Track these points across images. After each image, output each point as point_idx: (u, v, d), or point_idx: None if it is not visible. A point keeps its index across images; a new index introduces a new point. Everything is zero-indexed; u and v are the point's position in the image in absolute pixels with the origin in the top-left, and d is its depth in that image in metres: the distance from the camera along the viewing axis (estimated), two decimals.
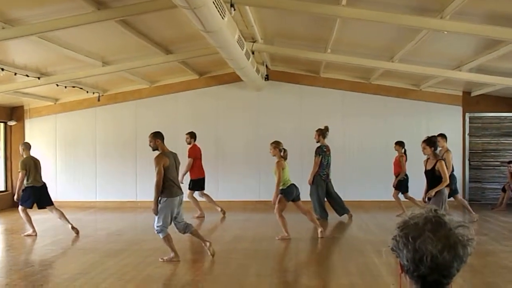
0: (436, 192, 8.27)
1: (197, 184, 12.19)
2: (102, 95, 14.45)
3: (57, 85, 11.99)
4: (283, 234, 9.36)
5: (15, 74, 10.46)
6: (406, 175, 12.00)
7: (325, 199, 11.75)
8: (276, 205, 9.31)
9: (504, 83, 11.22)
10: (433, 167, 8.33)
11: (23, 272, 7.33)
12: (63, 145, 14.88)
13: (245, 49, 9.38)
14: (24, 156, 10.20)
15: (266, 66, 13.70)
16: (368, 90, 14.18)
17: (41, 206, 10.35)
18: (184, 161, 10.89)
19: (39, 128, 14.91)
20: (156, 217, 7.58)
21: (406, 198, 12.00)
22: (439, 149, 10.14)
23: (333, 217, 11.65)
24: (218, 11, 6.52)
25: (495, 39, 8.14)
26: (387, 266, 7.18)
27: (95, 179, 14.76)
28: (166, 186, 7.57)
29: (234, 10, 7.25)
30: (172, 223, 7.79)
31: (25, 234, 10.06)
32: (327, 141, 11.66)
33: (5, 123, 14.76)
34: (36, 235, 9.99)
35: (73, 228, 10.12)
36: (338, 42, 10.08)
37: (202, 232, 11.05)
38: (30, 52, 9.82)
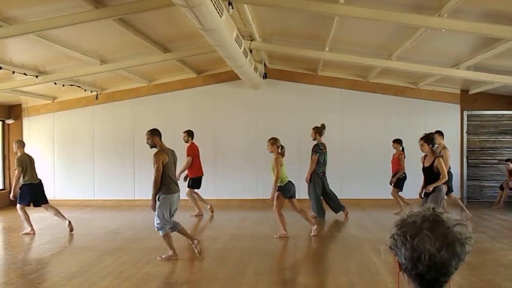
0: (434, 189, 8.30)
1: (196, 182, 12.20)
2: (100, 94, 14.44)
3: (55, 83, 11.97)
4: (282, 232, 9.36)
5: (13, 72, 10.45)
6: (404, 173, 12.01)
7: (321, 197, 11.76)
8: (275, 203, 9.32)
9: (502, 81, 11.23)
10: (431, 164, 8.36)
11: (21, 271, 7.32)
12: (61, 143, 14.87)
13: (243, 47, 9.37)
14: (20, 153, 10.19)
15: (264, 64, 13.70)
16: (366, 88, 14.18)
17: (37, 204, 10.34)
18: (182, 159, 10.88)
19: (37, 127, 14.90)
20: (156, 215, 7.59)
21: (392, 194, 12.02)
22: (435, 146, 10.17)
23: (330, 216, 11.66)
24: (216, 9, 6.52)
25: (493, 37, 8.15)
26: (386, 265, 7.19)
27: (93, 177, 14.75)
28: (164, 183, 7.59)
29: (232, 8, 7.25)
30: None
31: (24, 232, 10.06)
32: (323, 139, 11.66)
33: (3, 122, 14.75)
34: (34, 233, 9.98)
35: (69, 224, 10.11)
36: (336, 40, 10.08)
37: (200, 231, 11.10)
38: (28, 50, 9.80)
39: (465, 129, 14.19)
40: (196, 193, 12.36)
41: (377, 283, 6.52)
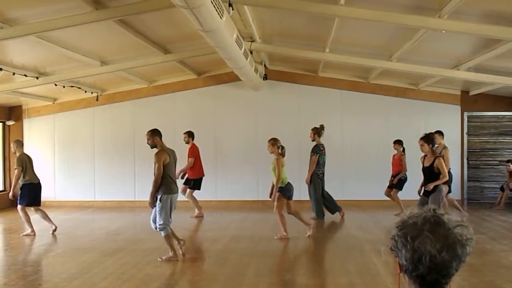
0: (434, 190, 8.30)
1: (198, 183, 12.20)
2: (101, 95, 14.45)
3: (56, 84, 11.98)
4: (282, 234, 9.36)
5: (14, 74, 10.45)
6: (405, 174, 12.00)
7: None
8: (275, 204, 9.31)
9: (502, 82, 11.22)
10: (431, 164, 8.36)
11: (22, 272, 7.32)
12: (62, 144, 14.87)
13: (243, 49, 9.37)
14: (19, 153, 10.19)
15: (265, 65, 13.70)
16: (366, 90, 14.18)
17: (31, 204, 10.25)
18: (182, 159, 10.88)
19: (38, 128, 14.90)
20: (158, 216, 7.59)
21: (391, 195, 12.02)
22: (436, 146, 10.18)
23: (330, 217, 11.65)
24: (217, 10, 6.52)
25: (493, 38, 8.15)
26: (386, 266, 7.19)
27: (94, 178, 14.75)
28: (165, 183, 7.61)
29: (233, 9, 7.24)
30: (151, 217, 7.80)
31: (24, 233, 10.05)
32: (322, 140, 11.65)
33: (4, 123, 14.75)
34: (34, 234, 9.97)
35: (55, 230, 10.06)
36: (337, 42, 10.08)
37: (200, 232, 11.10)
38: (28, 52, 9.80)
39: (465, 130, 14.19)
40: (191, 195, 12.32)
41: (378, 284, 6.51)
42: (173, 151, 7.93)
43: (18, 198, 10.08)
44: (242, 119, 14.46)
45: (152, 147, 7.85)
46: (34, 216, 10.26)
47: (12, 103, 14.51)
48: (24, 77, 10.83)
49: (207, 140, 13.83)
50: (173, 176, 7.83)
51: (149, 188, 7.75)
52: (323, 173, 11.59)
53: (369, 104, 14.16)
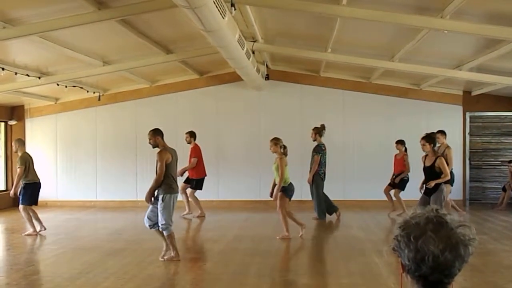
0: (435, 190, 8.29)
1: (200, 183, 12.20)
2: (103, 95, 14.45)
3: (58, 84, 11.99)
4: (284, 234, 9.35)
5: (16, 73, 10.46)
6: (407, 175, 11.98)
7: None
8: (278, 203, 9.31)
9: (504, 82, 11.22)
10: (433, 164, 8.36)
11: (24, 272, 7.33)
12: (64, 144, 14.88)
13: (245, 49, 9.38)
14: (21, 152, 10.18)
15: (267, 65, 13.69)
16: (368, 90, 14.17)
17: (32, 204, 10.23)
18: (183, 159, 10.88)
19: (40, 128, 14.92)
20: (160, 215, 7.59)
21: (395, 195, 12.01)
22: (438, 145, 10.17)
23: (328, 217, 11.62)
24: (219, 10, 6.52)
25: (496, 38, 8.14)
26: (388, 266, 7.18)
27: (96, 178, 14.76)
28: (167, 182, 7.61)
29: (235, 9, 7.24)
30: (146, 214, 7.79)
31: (26, 233, 10.06)
32: (323, 140, 11.64)
33: (6, 123, 14.77)
34: (36, 234, 9.99)
35: (40, 231, 10.03)
36: (339, 42, 10.08)
37: (202, 232, 11.11)
38: (30, 51, 9.82)
39: (467, 131, 14.17)
40: (186, 194, 12.25)
41: (380, 284, 6.51)
42: (174, 150, 7.94)
43: (20, 197, 10.04)
44: (244, 119, 14.46)
45: (154, 147, 7.85)
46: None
47: (14, 103, 14.53)
48: (27, 77, 10.84)
49: (209, 140, 13.84)
50: (175, 175, 7.85)
51: None
52: (324, 173, 11.58)
53: (371, 104, 14.15)
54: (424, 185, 8.50)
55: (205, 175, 12.30)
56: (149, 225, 7.81)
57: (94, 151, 14.77)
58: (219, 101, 14.49)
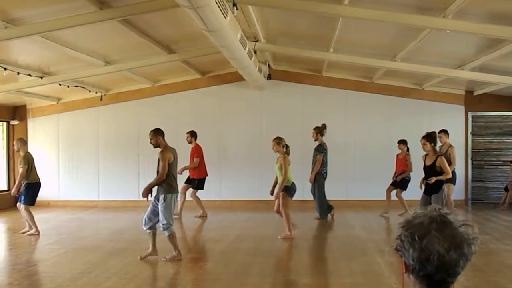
0: (436, 189, 8.28)
1: (201, 183, 12.20)
2: (105, 95, 14.46)
3: (60, 84, 12.00)
4: (286, 233, 9.35)
5: (18, 73, 10.46)
6: (409, 174, 11.97)
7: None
8: (281, 203, 9.30)
9: (507, 82, 11.20)
10: (433, 163, 8.35)
11: (26, 271, 7.34)
12: (66, 144, 14.89)
13: (247, 49, 9.37)
14: (23, 152, 10.18)
15: (269, 65, 13.68)
16: (370, 90, 14.16)
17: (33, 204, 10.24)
18: (184, 159, 10.88)
19: (42, 128, 14.93)
20: (161, 215, 7.59)
21: (396, 195, 12.00)
22: (439, 144, 10.17)
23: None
24: (221, 10, 6.52)
25: (498, 38, 8.13)
26: (390, 266, 7.18)
27: (98, 178, 14.77)
28: (168, 182, 7.62)
29: (237, 9, 7.25)
30: (146, 215, 7.79)
31: (28, 233, 10.06)
32: (324, 139, 11.63)
33: (8, 123, 14.79)
34: (38, 234, 9.99)
35: (31, 233, 10.00)
36: (341, 42, 10.07)
37: (204, 231, 11.11)
38: (32, 51, 9.82)
39: (469, 130, 14.16)
40: (185, 195, 12.19)
41: (382, 284, 6.51)
42: (175, 150, 7.95)
43: (23, 197, 10.03)
44: (246, 118, 14.46)
45: (155, 147, 7.86)
46: (38, 216, 10.28)
47: (17, 103, 14.55)
48: (29, 76, 10.85)
49: (211, 140, 13.84)
50: (176, 175, 7.86)
51: (154, 188, 7.74)
52: (326, 173, 11.57)
53: (373, 104, 14.14)
54: (425, 181, 8.48)
55: (207, 175, 12.29)
56: (148, 227, 7.79)
57: (96, 151, 14.78)
58: (221, 101, 14.49)
